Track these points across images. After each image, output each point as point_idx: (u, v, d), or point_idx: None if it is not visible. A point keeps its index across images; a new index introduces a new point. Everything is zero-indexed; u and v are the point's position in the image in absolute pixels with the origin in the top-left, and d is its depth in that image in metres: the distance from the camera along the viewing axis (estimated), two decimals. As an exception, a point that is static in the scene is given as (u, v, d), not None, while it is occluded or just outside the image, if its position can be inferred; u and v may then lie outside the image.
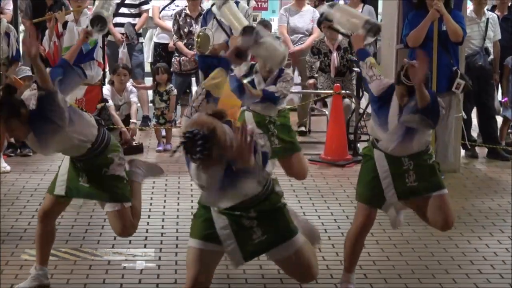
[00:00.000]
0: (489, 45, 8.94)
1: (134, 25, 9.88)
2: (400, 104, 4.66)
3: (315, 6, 9.95)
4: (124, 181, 4.88)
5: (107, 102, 8.75)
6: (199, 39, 7.80)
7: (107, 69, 9.71)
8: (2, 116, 4.40)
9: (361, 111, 8.93)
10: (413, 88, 4.50)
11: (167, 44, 10.00)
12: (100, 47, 7.78)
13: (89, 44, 7.52)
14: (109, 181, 4.82)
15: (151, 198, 7.00)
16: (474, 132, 9.13)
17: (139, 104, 9.47)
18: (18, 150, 8.53)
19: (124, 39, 9.89)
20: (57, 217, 5.02)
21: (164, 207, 6.81)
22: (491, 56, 9.01)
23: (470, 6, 9.11)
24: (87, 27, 6.42)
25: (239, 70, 5.85)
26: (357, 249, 4.97)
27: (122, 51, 9.89)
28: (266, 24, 10.71)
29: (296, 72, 10.05)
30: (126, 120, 9.12)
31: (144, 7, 10.14)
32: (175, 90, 9.23)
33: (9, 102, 4.45)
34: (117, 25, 10.01)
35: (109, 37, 10.10)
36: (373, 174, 4.84)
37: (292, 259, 4.14)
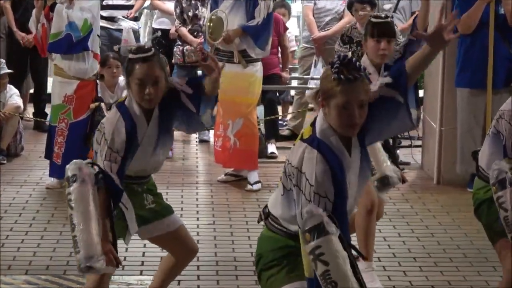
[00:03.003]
0: None
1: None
2: None
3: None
4: None
5: (103, 101, 8.67)
6: (211, 24, 7.70)
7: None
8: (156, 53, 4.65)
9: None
10: None
11: (168, 30, 9.97)
12: (98, 35, 7.67)
13: (81, 30, 7.42)
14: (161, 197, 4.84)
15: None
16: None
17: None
18: (-11, 158, 8.50)
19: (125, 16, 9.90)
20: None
21: (164, 226, 6.75)
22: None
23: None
24: None
25: None
26: None
27: (128, 30, 9.84)
28: (284, 5, 10.68)
29: (320, 64, 9.89)
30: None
31: (143, -14, 10.17)
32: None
33: None
34: (109, 7, 9.99)
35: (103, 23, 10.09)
36: None
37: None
